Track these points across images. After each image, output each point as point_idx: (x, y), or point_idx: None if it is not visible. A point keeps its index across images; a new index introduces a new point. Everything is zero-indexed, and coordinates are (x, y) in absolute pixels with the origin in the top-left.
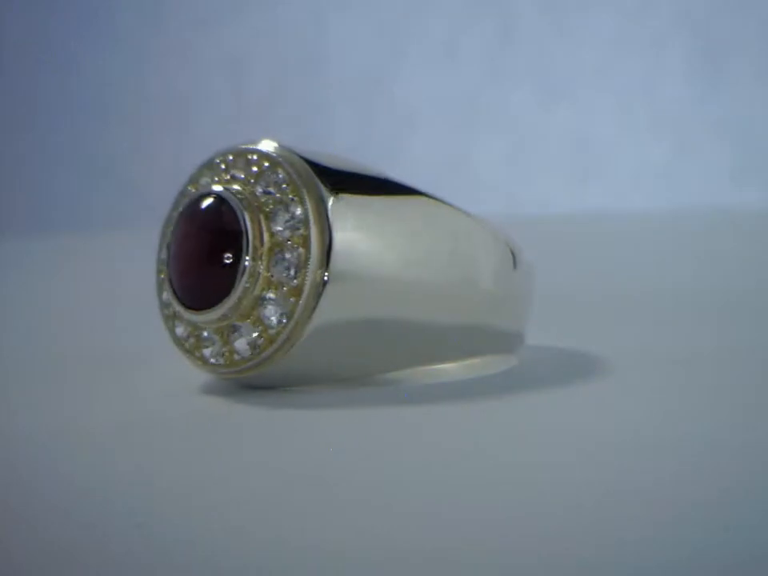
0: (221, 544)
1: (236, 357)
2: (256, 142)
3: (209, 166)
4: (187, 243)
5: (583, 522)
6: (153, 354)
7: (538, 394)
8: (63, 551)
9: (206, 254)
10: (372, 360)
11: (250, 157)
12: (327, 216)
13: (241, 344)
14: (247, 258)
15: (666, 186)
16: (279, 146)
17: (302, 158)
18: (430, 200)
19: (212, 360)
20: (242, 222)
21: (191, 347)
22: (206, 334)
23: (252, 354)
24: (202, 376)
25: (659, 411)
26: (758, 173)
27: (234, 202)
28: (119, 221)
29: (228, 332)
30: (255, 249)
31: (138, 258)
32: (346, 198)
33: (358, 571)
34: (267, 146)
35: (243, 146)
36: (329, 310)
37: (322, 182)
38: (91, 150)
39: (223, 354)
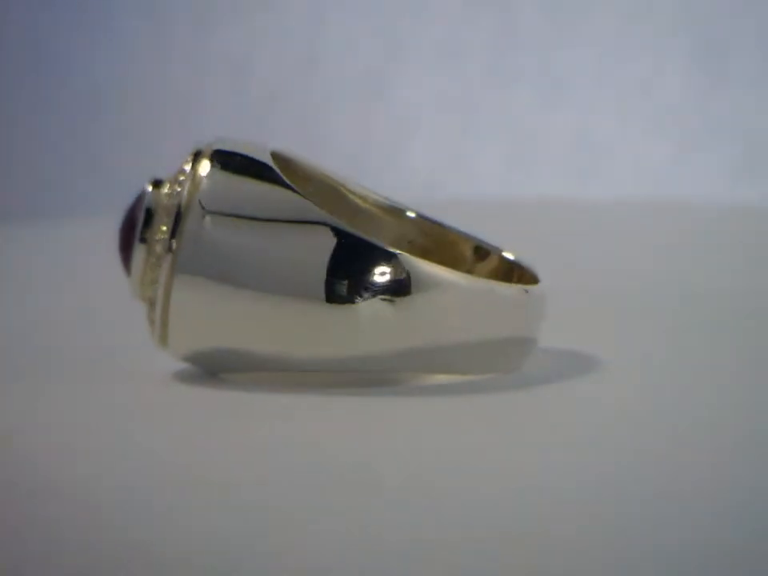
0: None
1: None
2: (211, 141)
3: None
4: (120, 228)
5: (583, 522)
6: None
7: (536, 394)
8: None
9: (119, 239)
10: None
11: (191, 155)
12: (188, 216)
13: (148, 323)
14: (141, 245)
15: (667, 185)
16: (212, 143)
17: (215, 155)
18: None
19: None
20: (141, 216)
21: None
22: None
23: (153, 334)
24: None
25: (659, 410)
26: (759, 172)
27: (147, 198)
28: (117, 218)
29: (147, 311)
30: (150, 239)
31: None
32: (221, 203)
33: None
34: (210, 146)
35: (199, 144)
36: (182, 305)
37: (207, 188)
38: (90, 149)
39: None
